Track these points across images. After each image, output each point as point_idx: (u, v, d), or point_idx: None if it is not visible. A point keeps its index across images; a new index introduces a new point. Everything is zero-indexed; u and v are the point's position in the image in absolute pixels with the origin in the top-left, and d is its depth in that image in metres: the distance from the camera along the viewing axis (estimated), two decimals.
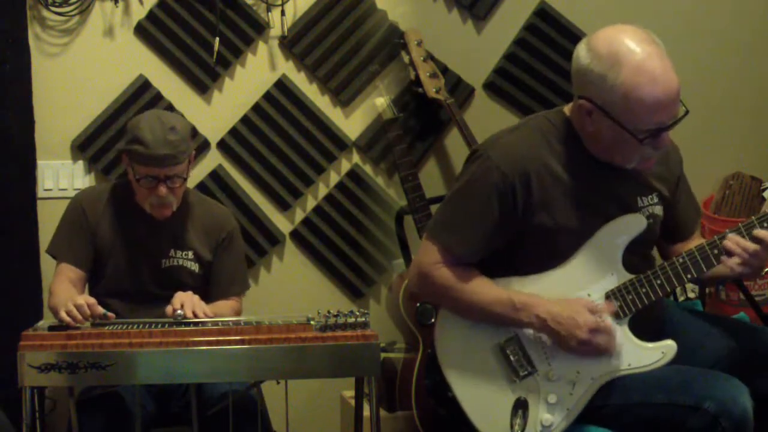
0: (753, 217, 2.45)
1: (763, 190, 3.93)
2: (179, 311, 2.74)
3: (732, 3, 4.01)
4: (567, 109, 2.55)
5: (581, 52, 2.42)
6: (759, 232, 2.41)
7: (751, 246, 2.40)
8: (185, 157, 2.98)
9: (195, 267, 3.11)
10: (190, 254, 3.10)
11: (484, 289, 2.50)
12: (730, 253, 2.42)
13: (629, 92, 2.34)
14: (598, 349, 2.43)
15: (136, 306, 3.03)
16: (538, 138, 2.51)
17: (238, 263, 3.22)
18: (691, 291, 3.63)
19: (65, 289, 2.95)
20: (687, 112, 2.41)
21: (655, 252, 2.71)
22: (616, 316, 2.47)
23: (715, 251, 2.44)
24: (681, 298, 3.57)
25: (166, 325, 2.64)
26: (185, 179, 3.03)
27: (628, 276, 2.49)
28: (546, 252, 2.50)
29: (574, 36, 3.84)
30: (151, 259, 3.07)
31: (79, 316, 2.60)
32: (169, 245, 3.09)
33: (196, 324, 2.69)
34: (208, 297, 3.12)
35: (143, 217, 3.07)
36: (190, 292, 2.89)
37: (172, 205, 3.02)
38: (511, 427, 2.30)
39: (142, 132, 2.92)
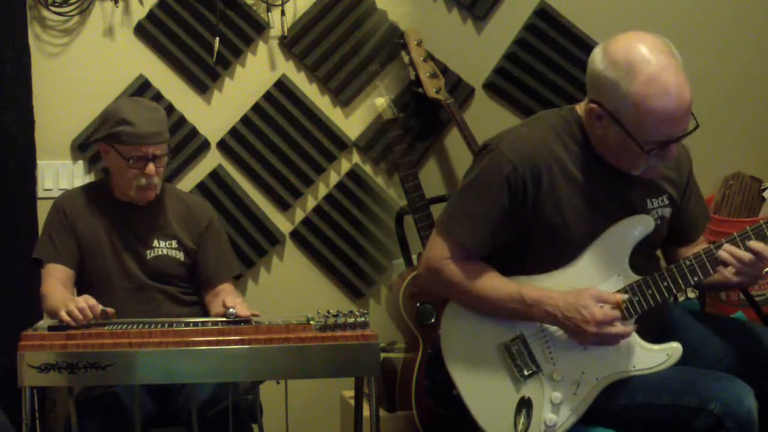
0: (748, 228, 2.45)
1: (763, 190, 3.92)
2: (231, 309, 2.75)
3: (733, 3, 4.00)
4: (579, 107, 2.55)
5: (597, 57, 2.41)
6: (754, 244, 2.41)
7: (746, 256, 2.40)
8: (167, 137, 3.06)
9: (180, 255, 3.12)
10: (174, 243, 3.12)
11: (494, 283, 2.50)
12: (725, 263, 2.42)
13: (641, 103, 2.33)
14: (610, 340, 2.43)
15: (127, 298, 3.04)
16: (549, 133, 2.51)
17: (224, 249, 3.24)
18: (691, 291, 3.63)
19: (58, 291, 2.96)
20: (697, 126, 2.41)
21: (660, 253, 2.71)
22: (622, 317, 2.47)
23: (739, 246, 2.44)
24: (681, 299, 3.56)
25: (166, 325, 2.64)
26: (169, 159, 3.12)
27: (635, 277, 2.49)
28: (553, 251, 2.50)
29: (574, 36, 3.84)
30: (135, 250, 3.09)
31: (80, 317, 2.60)
32: (152, 236, 3.11)
33: (247, 322, 2.69)
34: (197, 286, 3.16)
35: (122, 210, 3.11)
36: (239, 297, 2.99)
37: (156, 187, 3.07)
38: (515, 425, 2.30)
39: (126, 114, 2.98)
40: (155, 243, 3.11)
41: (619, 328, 2.41)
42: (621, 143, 2.42)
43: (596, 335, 2.41)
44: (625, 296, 2.45)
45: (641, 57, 2.34)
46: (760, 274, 2.48)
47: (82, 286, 3.10)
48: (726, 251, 2.42)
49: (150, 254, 3.10)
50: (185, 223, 3.16)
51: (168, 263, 3.11)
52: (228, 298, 2.89)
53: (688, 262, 2.46)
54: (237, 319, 2.72)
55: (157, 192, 3.09)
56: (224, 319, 2.74)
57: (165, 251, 3.11)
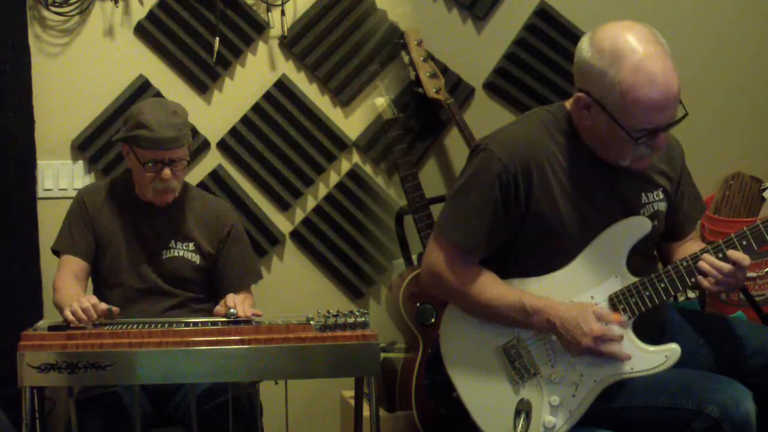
0: (732, 235, 2.44)
1: (763, 190, 3.92)
2: (232, 309, 2.75)
3: (733, 3, 4.00)
4: (568, 103, 2.55)
5: (584, 46, 2.42)
6: (733, 254, 2.41)
7: (726, 267, 2.40)
8: (187, 140, 3.02)
9: (196, 259, 3.10)
10: (191, 245, 3.10)
11: (495, 290, 2.50)
12: (704, 274, 2.42)
13: (627, 91, 2.33)
14: (603, 355, 2.43)
15: (138, 298, 3.04)
16: (540, 130, 2.51)
17: (246, 255, 3.22)
18: (691, 291, 3.63)
19: (69, 285, 2.96)
20: (686, 115, 2.41)
21: None
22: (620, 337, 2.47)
23: (720, 255, 2.43)
24: (681, 298, 3.56)
25: (166, 325, 2.65)
26: (188, 163, 3.07)
27: (632, 279, 2.49)
28: (549, 251, 2.50)
29: (574, 36, 3.84)
30: (151, 250, 3.08)
31: (84, 317, 2.61)
32: (169, 236, 3.09)
33: (248, 322, 2.70)
34: (214, 290, 3.14)
35: (143, 209, 3.09)
36: (241, 295, 2.99)
37: (174, 190, 3.05)
38: (514, 427, 2.30)
39: (145, 117, 2.95)
40: (172, 244, 3.09)
41: (613, 348, 2.42)
42: (609, 132, 2.41)
43: (590, 349, 2.42)
44: (625, 317, 2.45)
45: (628, 45, 2.34)
46: (741, 284, 2.50)
47: (95, 280, 3.11)
48: (705, 262, 2.42)
49: (166, 255, 3.08)
50: (206, 227, 3.14)
51: (183, 265, 3.09)
52: (229, 298, 2.89)
53: (685, 263, 2.46)
54: (237, 319, 2.72)
55: (176, 195, 3.07)
56: (224, 318, 2.74)
57: (181, 253, 3.09)
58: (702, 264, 2.42)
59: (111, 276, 3.07)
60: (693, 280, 2.45)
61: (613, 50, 2.35)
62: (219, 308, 2.93)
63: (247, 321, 2.71)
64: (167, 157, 2.97)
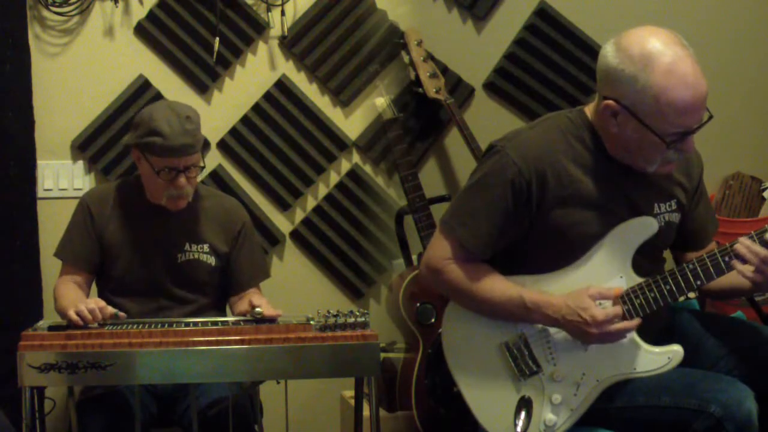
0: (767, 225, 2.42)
1: (763, 190, 3.92)
2: (258, 308, 2.72)
3: (733, 5, 4.00)
4: (588, 109, 2.54)
5: (609, 52, 2.40)
6: None
7: (763, 251, 2.38)
8: (201, 144, 2.96)
9: (212, 260, 3.06)
10: (206, 247, 3.06)
11: (495, 286, 2.49)
12: (742, 259, 2.39)
13: (660, 94, 2.32)
14: (613, 338, 2.42)
15: (148, 304, 3.00)
16: (557, 136, 2.50)
17: (256, 254, 3.19)
18: (692, 292, 3.62)
19: (71, 290, 2.94)
20: (711, 117, 2.41)
21: (667, 255, 2.70)
22: (624, 319, 2.46)
23: (726, 259, 2.42)
24: (681, 299, 3.56)
25: (166, 325, 2.64)
26: (202, 168, 3.02)
27: (637, 279, 2.48)
28: (557, 251, 2.50)
29: (574, 36, 3.85)
30: (165, 254, 3.03)
31: (89, 318, 2.59)
32: (183, 239, 3.04)
33: (272, 321, 2.69)
34: (226, 290, 3.12)
35: (154, 213, 3.03)
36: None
37: (188, 196, 2.99)
38: (515, 425, 2.30)
39: (158, 124, 2.87)
40: (187, 246, 3.03)
41: (620, 324, 2.41)
42: (638, 138, 2.40)
43: (599, 335, 2.41)
44: (624, 288, 2.45)
45: (656, 49, 2.34)
46: None
47: (104, 289, 3.06)
48: (742, 245, 2.39)
49: (181, 258, 3.03)
50: (219, 226, 3.09)
51: (199, 268, 3.04)
52: (254, 298, 2.87)
53: (691, 266, 2.45)
54: (263, 317, 2.70)
55: (189, 200, 3.01)
56: (248, 317, 2.73)
57: (197, 255, 3.04)
58: (739, 247, 2.39)
59: (121, 283, 3.02)
60: (698, 282, 2.44)
61: (643, 54, 2.34)
62: (244, 307, 2.90)
63: (272, 320, 2.68)
64: (182, 165, 2.91)
